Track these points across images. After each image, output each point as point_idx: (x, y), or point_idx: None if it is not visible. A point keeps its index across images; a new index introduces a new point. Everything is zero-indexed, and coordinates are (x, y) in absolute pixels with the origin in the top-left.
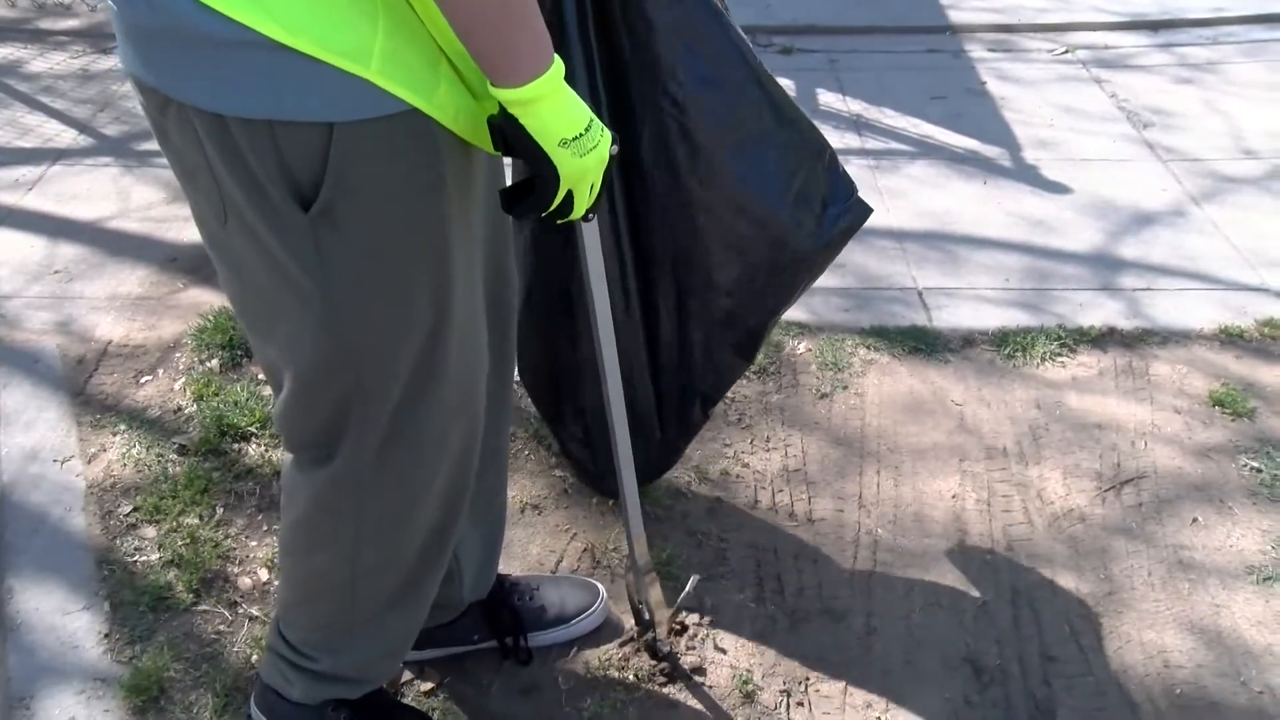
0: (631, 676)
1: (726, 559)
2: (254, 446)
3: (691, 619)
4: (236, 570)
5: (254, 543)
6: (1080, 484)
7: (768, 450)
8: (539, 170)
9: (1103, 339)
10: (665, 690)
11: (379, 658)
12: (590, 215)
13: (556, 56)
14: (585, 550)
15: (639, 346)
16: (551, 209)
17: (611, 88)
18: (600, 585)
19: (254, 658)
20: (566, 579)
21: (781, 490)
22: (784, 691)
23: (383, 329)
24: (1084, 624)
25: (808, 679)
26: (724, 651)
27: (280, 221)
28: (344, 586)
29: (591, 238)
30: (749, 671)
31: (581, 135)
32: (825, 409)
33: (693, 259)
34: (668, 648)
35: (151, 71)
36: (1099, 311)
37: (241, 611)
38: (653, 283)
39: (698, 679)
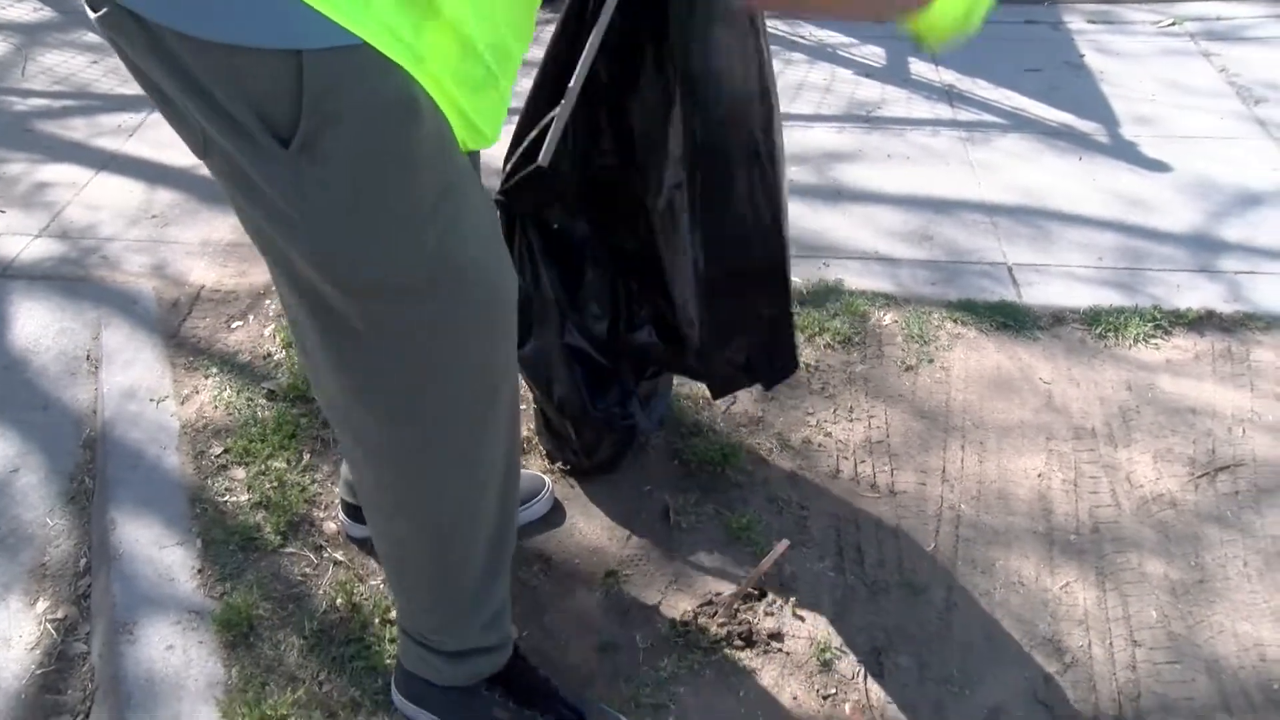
0: (709, 640)
1: (807, 527)
2: None
3: (771, 586)
4: (322, 515)
5: (338, 489)
6: (1172, 469)
7: (850, 420)
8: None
9: (1200, 322)
10: (742, 655)
11: (496, 615)
12: None
13: None
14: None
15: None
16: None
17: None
18: (547, 479)
19: (338, 601)
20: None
21: (864, 461)
22: (861, 662)
23: (375, 263)
24: (1173, 611)
25: (885, 650)
26: (802, 619)
27: (261, 155)
28: (438, 549)
29: None
30: (827, 640)
31: None
32: (910, 382)
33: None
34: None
35: None
36: (1196, 294)
37: (326, 555)
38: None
39: (775, 645)
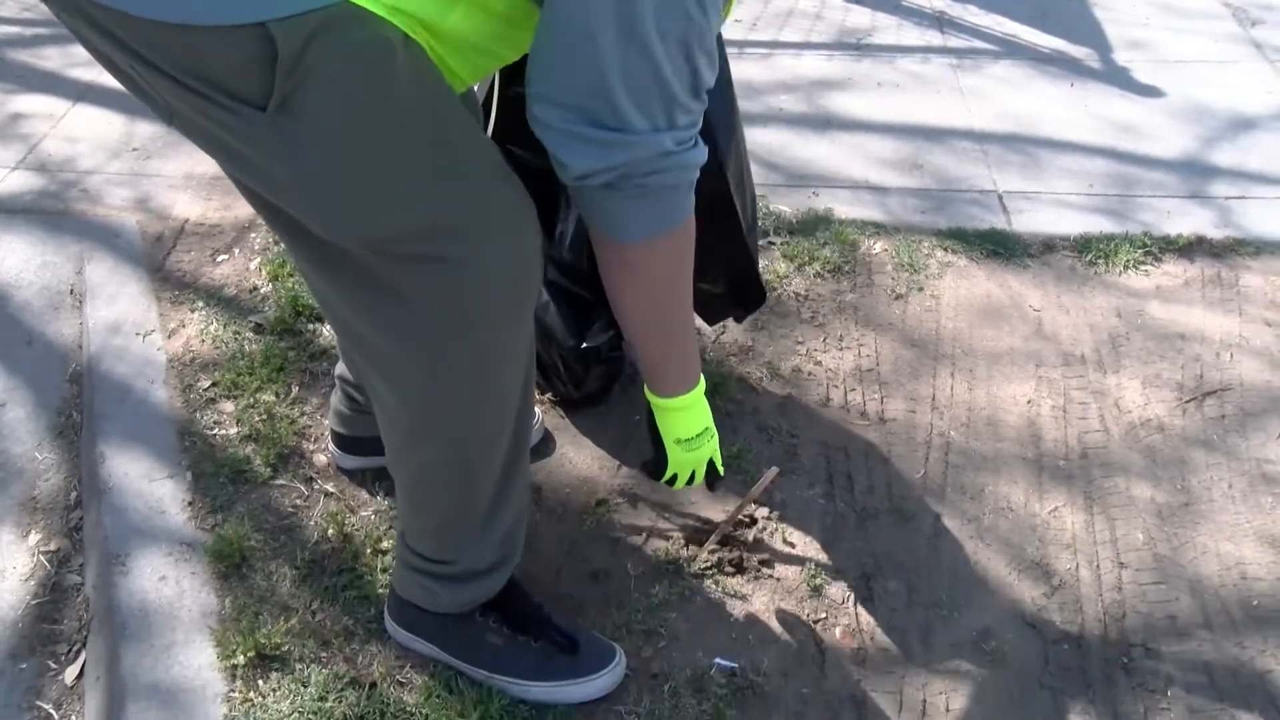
0: (700, 567)
1: (797, 455)
2: (327, 328)
3: (760, 512)
4: (311, 447)
5: (328, 421)
6: (1160, 394)
7: (840, 349)
8: (657, 451)
9: (1190, 248)
10: (733, 581)
11: (510, 533)
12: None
13: (701, 379)
14: None
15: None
16: (663, 479)
17: None
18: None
19: (329, 532)
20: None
21: (854, 389)
22: (851, 587)
23: (372, 216)
24: (1159, 533)
25: (874, 575)
26: (792, 545)
27: (238, 121)
28: (459, 474)
29: None
30: (816, 565)
31: (694, 439)
32: (900, 310)
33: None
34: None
35: None
36: (1187, 219)
37: (317, 487)
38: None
39: (765, 571)
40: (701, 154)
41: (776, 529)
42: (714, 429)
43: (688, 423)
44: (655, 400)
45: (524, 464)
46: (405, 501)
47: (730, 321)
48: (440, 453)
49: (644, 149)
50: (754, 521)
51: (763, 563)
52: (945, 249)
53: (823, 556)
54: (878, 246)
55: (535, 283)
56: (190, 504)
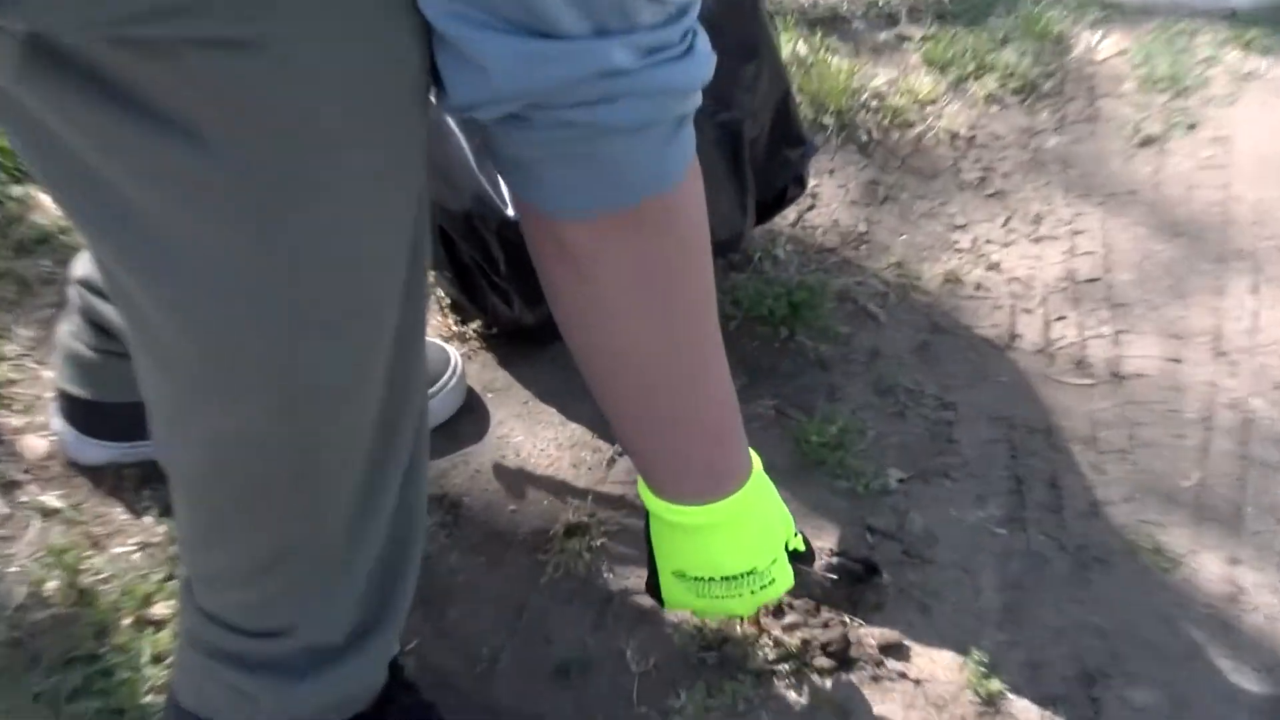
0: (767, 656)
1: (952, 442)
2: (45, 198)
3: (882, 553)
4: (16, 423)
5: (53, 375)
6: None
7: (1035, 239)
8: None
9: None
10: (832, 684)
11: (388, 580)
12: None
13: (754, 464)
14: None
15: None
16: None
17: None
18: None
19: (50, 586)
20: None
21: (1060, 317)
22: (1058, 698)
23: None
24: None
25: (1104, 675)
26: (944, 614)
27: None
28: (290, 466)
29: None
30: (990, 654)
31: (730, 580)
32: (1149, 166)
33: None
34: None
35: None
36: None
37: (28, 500)
38: None
39: (893, 665)
40: (691, 70)
41: (911, 583)
42: (780, 550)
43: (717, 551)
44: (654, 505)
45: (419, 453)
46: (192, 522)
47: (831, 192)
48: (253, 425)
49: (578, 65)
50: (870, 570)
51: (888, 649)
52: (1243, 45)
53: (1001, 636)
54: (1108, 43)
55: (420, 92)
56: None
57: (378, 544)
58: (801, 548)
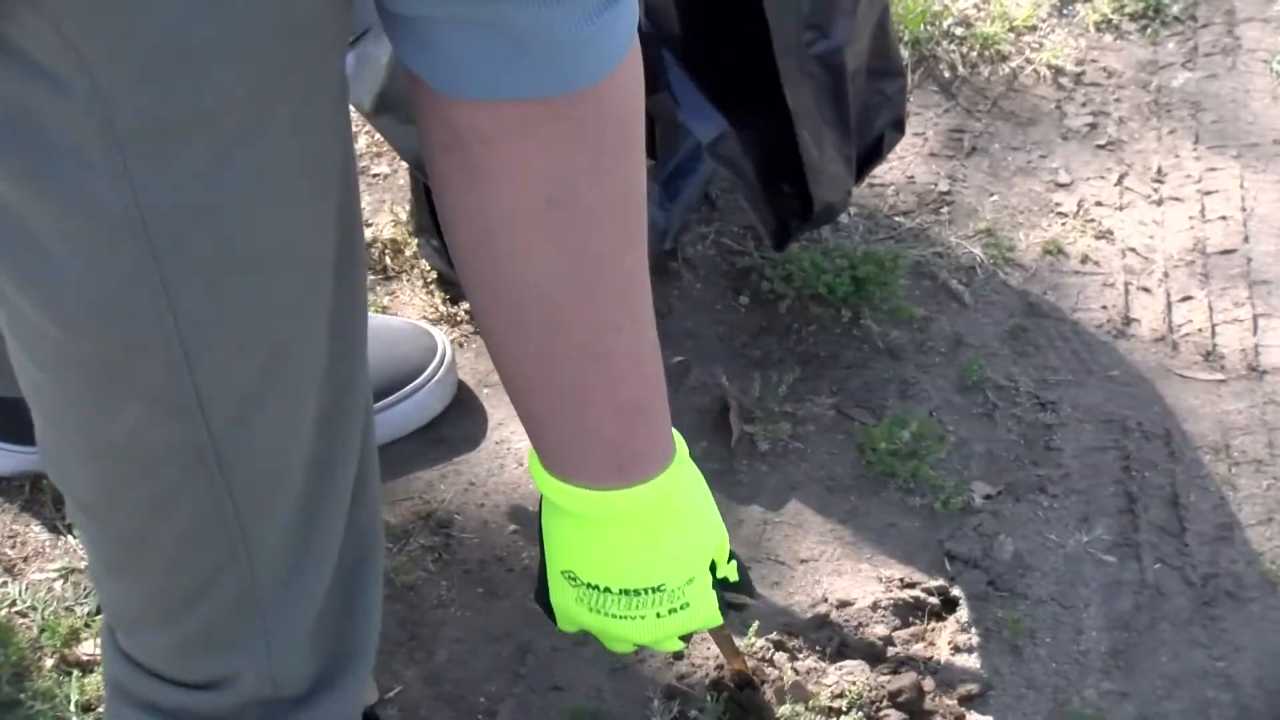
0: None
1: (1052, 451)
2: None
3: (965, 582)
4: None
5: None
6: None
7: (1155, 200)
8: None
9: None
10: None
11: (345, 617)
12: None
13: (679, 448)
14: None
15: None
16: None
17: None
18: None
19: None
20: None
21: (1189, 296)
22: None
23: None
24: None
25: None
26: (1037, 658)
27: None
28: (204, 466)
29: None
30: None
31: (626, 596)
32: None
33: None
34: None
35: None
36: None
37: None
38: None
39: None
40: None
41: (1000, 621)
42: (700, 568)
43: (614, 553)
44: (545, 485)
45: (366, 462)
46: (94, 545)
47: (899, 145)
48: (149, 428)
49: None
50: (947, 604)
51: (969, 699)
52: None
53: (1108, 685)
54: None
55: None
56: None
57: (325, 576)
58: (734, 577)
